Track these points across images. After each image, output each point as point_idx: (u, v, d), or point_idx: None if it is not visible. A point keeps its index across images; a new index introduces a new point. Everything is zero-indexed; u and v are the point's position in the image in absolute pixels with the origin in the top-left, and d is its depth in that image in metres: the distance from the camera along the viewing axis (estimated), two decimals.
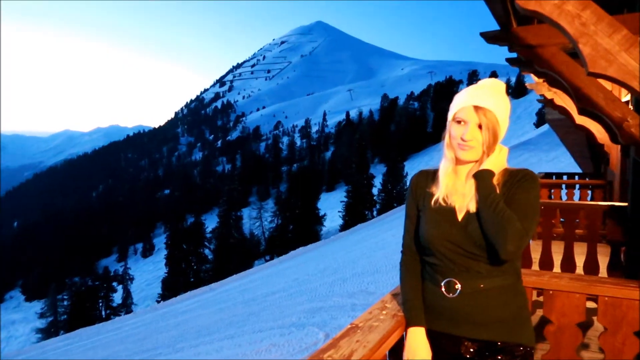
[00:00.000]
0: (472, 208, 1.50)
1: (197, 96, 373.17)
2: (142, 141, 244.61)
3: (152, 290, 58.79)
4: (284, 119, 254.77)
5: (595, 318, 4.04)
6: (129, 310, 47.89)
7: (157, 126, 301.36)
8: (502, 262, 1.46)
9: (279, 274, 23.89)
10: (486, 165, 1.50)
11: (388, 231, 26.55)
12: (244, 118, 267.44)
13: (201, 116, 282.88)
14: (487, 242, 1.44)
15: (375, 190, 62.64)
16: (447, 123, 1.59)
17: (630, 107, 4.18)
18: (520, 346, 1.48)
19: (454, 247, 1.50)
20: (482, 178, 1.49)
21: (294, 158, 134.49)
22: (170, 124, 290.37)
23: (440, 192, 1.58)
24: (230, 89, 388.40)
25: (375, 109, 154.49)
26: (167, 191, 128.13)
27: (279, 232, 58.69)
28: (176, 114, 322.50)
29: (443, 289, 1.52)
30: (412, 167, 77.36)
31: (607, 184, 7.70)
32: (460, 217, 1.52)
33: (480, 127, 1.49)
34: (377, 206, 61.46)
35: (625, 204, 4.48)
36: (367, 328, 1.48)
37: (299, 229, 56.64)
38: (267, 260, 46.76)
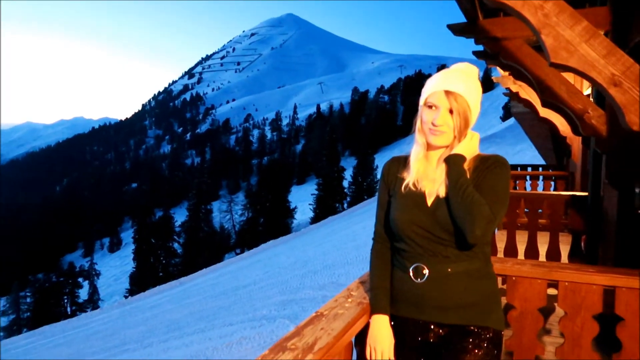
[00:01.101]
0: (442, 193, 1.50)
1: (165, 88, 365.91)
2: (108, 134, 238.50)
3: (120, 286, 57.64)
4: (254, 112, 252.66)
5: (556, 304, 4.19)
6: (95, 306, 46.88)
7: (123, 118, 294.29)
8: (470, 246, 1.46)
9: (250, 267, 23.77)
10: (457, 150, 1.51)
11: (359, 223, 26.74)
12: (213, 110, 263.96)
13: (169, 108, 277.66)
14: (455, 226, 1.44)
15: (345, 183, 62.97)
16: (419, 108, 1.57)
17: (591, 99, 4.30)
18: (488, 330, 1.48)
19: (423, 231, 1.49)
20: (452, 162, 1.49)
21: (265, 151, 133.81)
22: (138, 117, 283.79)
23: (411, 177, 1.57)
24: (200, 81, 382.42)
25: (345, 102, 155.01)
26: (134, 185, 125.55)
27: (250, 225, 58.35)
28: (143, 106, 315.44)
29: (411, 274, 1.51)
30: (383, 160, 78.03)
31: (569, 175, 7.95)
32: (429, 202, 1.52)
33: (451, 112, 1.49)
34: (348, 199, 61.84)
35: (586, 193, 4.63)
36: (332, 316, 1.48)
37: (269, 222, 56.46)
38: (237, 254, 46.42)
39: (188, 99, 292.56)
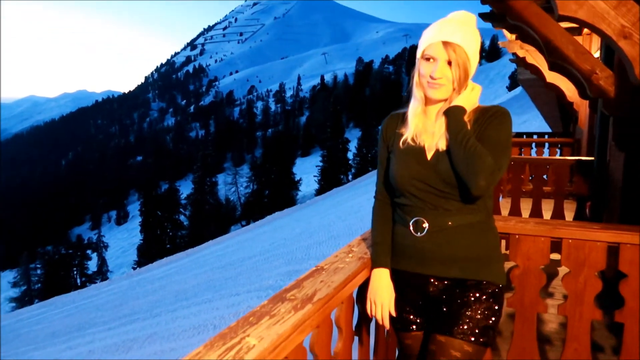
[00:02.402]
0: (442, 146, 1.46)
1: (168, 60, 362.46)
2: (111, 107, 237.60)
3: (128, 258, 58.50)
4: (257, 84, 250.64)
5: (559, 269, 4.19)
6: (104, 278, 47.64)
7: (127, 91, 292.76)
8: (472, 199, 1.44)
9: (255, 239, 23.98)
10: (457, 102, 1.46)
11: (363, 195, 26.79)
12: (216, 82, 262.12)
13: (172, 81, 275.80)
14: (457, 179, 1.41)
15: (350, 155, 62.90)
16: (416, 61, 1.52)
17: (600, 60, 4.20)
18: (490, 284, 1.46)
19: (423, 185, 1.47)
20: (452, 114, 1.45)
21: (269, 123, 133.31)
22: (141, 89, 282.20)
23: (409, 132, 1.54)
24: (202, 52, 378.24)
25: (350, 73, 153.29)
26: (139, 158, 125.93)
27: (255, 197, 58.67)
28: (146, 78, 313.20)
29: (411, 228, 1.50)
30: None
31: (575, 142, 7.86)
32: (429, 156, 1.49)
33: (449, 63, 1.43)
34: (353, 170, 61.87)
35: (592, 158, 4.57)
36: (332, 270, 1.47)
37: (274, 194, 56.72)
38: (243, 226, 46.83)
39: (191, 71, 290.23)
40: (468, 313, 1.44)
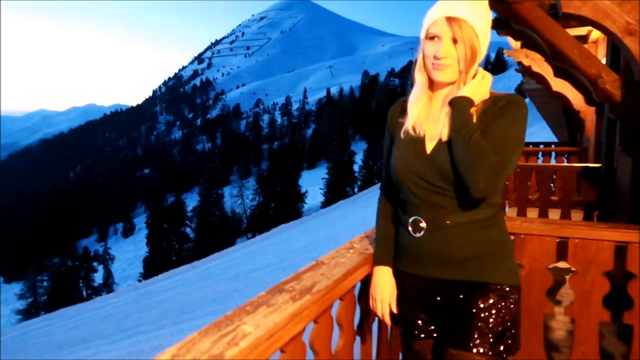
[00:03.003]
0: (445, 136, 1.34)
1: (176, 74, 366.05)
2: (120, 120, 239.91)
3: (134, 270, 58.49)
4: (264, 97, 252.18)
5: (567, 277, 4.13)
6: (110, 290, 47.64)
7: (135, 105, 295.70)
8: (472, 197, 1.30)
9: (261, 251, 23.91)
10: (464, 91, 1.32)
11: (370, 207, 26.68)
12: (223, 96, 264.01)
13: (180, 94, 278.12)
14: (455, 174, 1.30)
15: (356, 167, 62.86)
16: (420, 42, 1.41)
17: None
18: (496, 285, 1.34)
19: (420, 180, 1.36)
20: (457, 106, 1.31)
21: (275, 136, 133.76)
22: (149, 103, 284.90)
23: (409, 120, 1.42)
24: (209, 66, 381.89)
25: (356, 86, 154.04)
26: (146, 170, 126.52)
27: (261, 209, 58.64)
28: (154, 92, 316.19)
29: (410, 229, 1.40)
30: None
31: (582, 151, 7.81)
32: (429, 147, 1.38)
33: (455, 41, 1.31)
34: (359, 182, 61.78)
35: (599, 165, 4.53)
36: (333, 264, 1.43)
37: (280, 207, 56.67)
38: (249, 238, 46.74)
39: (198, 84, 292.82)
40: (479, 323, 1.32)
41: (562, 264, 1.99)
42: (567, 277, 4.34)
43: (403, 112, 1.50)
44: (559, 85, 6.63)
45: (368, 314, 1.62)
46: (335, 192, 56.65)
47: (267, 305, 1.08)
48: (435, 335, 1.46)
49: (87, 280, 50.92)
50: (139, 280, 46.27)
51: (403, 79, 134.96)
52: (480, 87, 1.34)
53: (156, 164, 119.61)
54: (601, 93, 3.44)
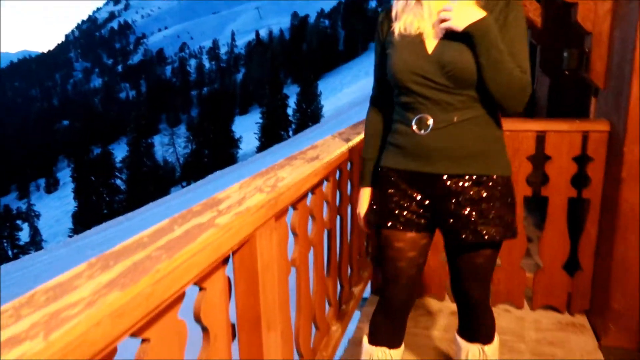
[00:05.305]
0: (441, 34, 1.33)
1: (90, 16, 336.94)
2: (29, 68, 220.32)
3: (62, 226, 56.17)
4: (189, 40, 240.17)
5: None
6: (39, 248, 45.71)
7: (45, 51, 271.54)
8: (476, 92, 1.34)
9: (199, 198, 23.37)
10: (473, 9, 1.27)
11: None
12: (145, 40, 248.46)
13: (96, 39, 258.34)
14: (460, 71, 1.31)
15: (290, 111, 62.68)
16: None
17: None
18: (499, 177, 1.40)
19: (423, 80, 1.35)
20: (483, 33, 1.25)
21: (204, 81, 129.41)
22: (61, 48, 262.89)
23: (401, 22, 1.40)
24: (127, 7, 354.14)
25: (285, 28, 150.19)
26: (65, 122, 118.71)
27: (194, 157, 57.59)
28: (67, 37, 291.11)
29: (414, 127, 1.39)
30: (325, 87, 77.81)
31: None
32: (429, 47, 1.36)
33: None
34: (293, 126, 61.89)
35: None
36: (326, 145, 1.79)
37: (214, 154, 55.94)
38: (183, 187, 46.02)
39: (116, 27, 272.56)
40: (490, 212, 1.38)
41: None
42: None
43: (395, 17, 1.44)
44: None
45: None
46: (270, 137, 56.55)
47: (290, 165, 1.44)
48: (424, 229, 1.50)
49: (11, 239, 48.50)
50: (70, 236, 44.60)
51: (333, 20, 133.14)
52: None
53: (76, 114, 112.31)
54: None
